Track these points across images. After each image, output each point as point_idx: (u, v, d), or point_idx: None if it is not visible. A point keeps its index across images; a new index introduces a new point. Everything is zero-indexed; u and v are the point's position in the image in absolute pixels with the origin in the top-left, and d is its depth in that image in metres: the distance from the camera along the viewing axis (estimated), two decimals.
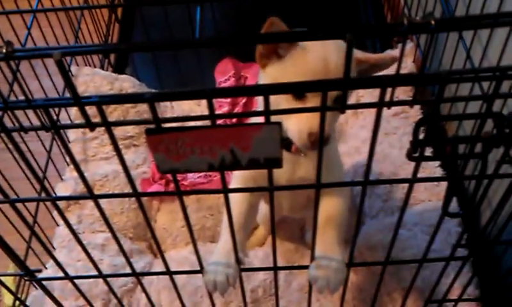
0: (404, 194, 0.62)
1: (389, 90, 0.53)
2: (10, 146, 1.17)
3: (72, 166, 1.43)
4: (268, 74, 0.83)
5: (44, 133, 1.34)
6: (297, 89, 0.48)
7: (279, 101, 0.79)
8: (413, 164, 0.65)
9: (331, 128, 0.82)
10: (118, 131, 1.46)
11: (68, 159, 1.44)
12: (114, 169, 1.41)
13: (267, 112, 0.51)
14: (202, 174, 1.44)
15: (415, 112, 1.46)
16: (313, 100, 0.78)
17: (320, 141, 0.55)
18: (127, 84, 1.55)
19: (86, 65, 1.65)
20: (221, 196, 1.34)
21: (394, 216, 1.28)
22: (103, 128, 0.51)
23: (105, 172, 1.40)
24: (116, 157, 1.41)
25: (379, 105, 0.51)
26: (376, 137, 0.56)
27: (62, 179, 1.41)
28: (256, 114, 0.54)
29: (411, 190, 0.64)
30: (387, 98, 0.52)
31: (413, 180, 0.62)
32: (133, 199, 1.35)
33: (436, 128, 0.56)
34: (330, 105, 0.74)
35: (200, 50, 1.65)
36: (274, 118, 0.51)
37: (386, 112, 1.34)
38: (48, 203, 1.33)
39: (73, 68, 1.54)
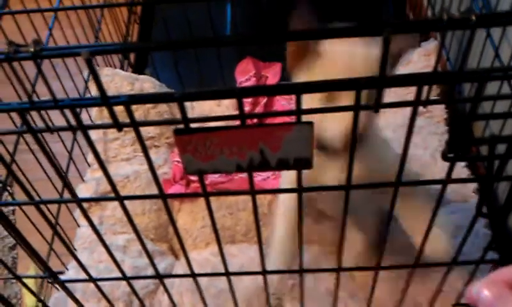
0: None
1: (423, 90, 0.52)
2: (32, 147, 1.18)
3: (93, 167, 1.43)
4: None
5: (64, 135, 1.33)
6: (331, 88, 0.46)
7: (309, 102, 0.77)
8: (439, 164, 0.63)
9: (366, 126, 0.80)
10: None
11: (89, 160, 1.44)
12: (135, 170, 1.40)
13: (299, 111, 0.49)
14: None
15: (440, 112, 1.42)
16: (346, 100, 0.75)
17: (353, 141, 0.54)
18: (148, 84, 1.55)
19: (106, 66, 1.65)
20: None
21: None
22: (124, 129, 0.49)
23: (126, 173, 1.39)
24: (136, 158, 1.43)
25: (415, 104, 0.49)
26: (410, 137, 0.54)
27: (83, 180, 1.40)
28: (288, 113, 0.52)
29: (443, 191, 0.62)
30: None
31: (447, 181, 0.60)
32: (155, 200, 1.35)
33: (466, 128, 0.54)
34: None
35: (221, 51, 1.63)
36: (305, 118, 0.50)
37: (409, 111, 1.32)
38: (69, 204, 1.33)
39: None
